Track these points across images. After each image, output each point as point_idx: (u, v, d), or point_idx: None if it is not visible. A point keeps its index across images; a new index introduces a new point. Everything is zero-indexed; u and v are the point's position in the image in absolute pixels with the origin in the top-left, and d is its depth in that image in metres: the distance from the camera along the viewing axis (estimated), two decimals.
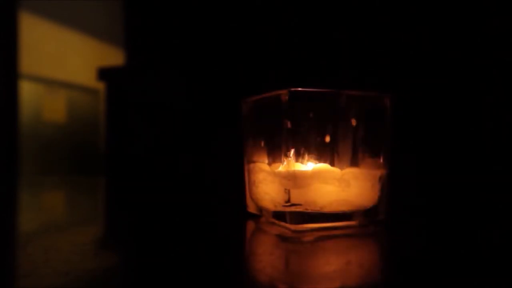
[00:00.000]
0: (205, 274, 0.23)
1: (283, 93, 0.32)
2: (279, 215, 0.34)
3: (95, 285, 0.21)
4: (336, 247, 0.30)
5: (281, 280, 0.22)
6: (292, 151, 0.32)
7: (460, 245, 0.30)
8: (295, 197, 0.32)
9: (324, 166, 0.33)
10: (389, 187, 0.35)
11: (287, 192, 0.32)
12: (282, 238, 0.31)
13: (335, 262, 0.26)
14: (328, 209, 0.33)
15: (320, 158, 0.33)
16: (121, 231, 0.37)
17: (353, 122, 0.34)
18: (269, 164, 0.35)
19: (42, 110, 2.42)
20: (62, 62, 2.50)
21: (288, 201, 0.32)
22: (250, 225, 0.37)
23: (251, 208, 0.39)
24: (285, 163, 0.32)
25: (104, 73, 1.05)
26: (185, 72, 0.93)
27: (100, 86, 1.13)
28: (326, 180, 0.32)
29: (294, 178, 0.32)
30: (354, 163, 0.34)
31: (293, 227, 0.32)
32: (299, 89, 0.32)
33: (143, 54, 1.03)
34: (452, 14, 0.69)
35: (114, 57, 2.17)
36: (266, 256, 0.28)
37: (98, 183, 0.97)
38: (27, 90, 2.09)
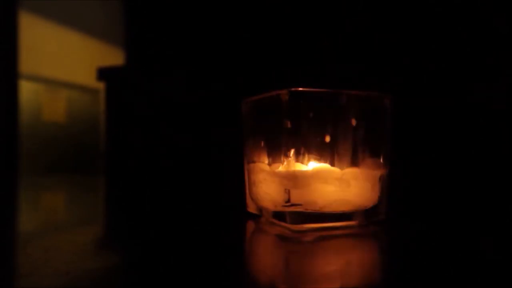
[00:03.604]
0: (205, 274, 0.23)
1: (283, 93, 0.32)
2: (279, 215, 0.34)
3: (95, 285, 0.21)
4: (336, 247, 0.30)
5: (281, 280, 0.22)
6: (292, 151, 0.32)
7: (460, 245, 0.30)
8: (295, 197, 0.32)
9: (324, 166, 0.33)
10: (389, 187, 0.35)
11: (287, 192, 0.32)
12: (282, 238, 0.31)
13: (335, 262, 0.26)
14: (328, 209, 0.33)
15: (320, 158, 0.33)
16: (121, 231, 0.37)
17: (353, 122, 0.34)
18: (269, 164, 0.35)
19: (42, 110, 2.42)
20: (62, 62, 2.50)
21: (288, 201, 0.32)
22: (250, 225, 0.37)
23: (251, 208, 0.39)
24: (285, 163, 0.32)
25: (104, 73, 1.05)
26: (185, 72, 0.93)
27: (100, 86, 1.13)
28: (326, 180, 0.32)
29: (294, 178, 0.32)
30: (354, 163, 0.34)
31: (293, 227, 0.32)
32: (299, 89, 0.32)
33: (143, 54, 1.03)
34: (453, 13, 0.69)
35: (114, 57, 2.17)
36: (266, 256, 0.28)
37: (98, 183, 0.97)
38: (27, 90, 2.08)
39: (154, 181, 0.87)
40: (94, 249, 0.30)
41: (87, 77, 2.29)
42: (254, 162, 0.37)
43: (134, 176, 0.95)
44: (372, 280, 0.23)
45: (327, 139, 0.33)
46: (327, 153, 0.33)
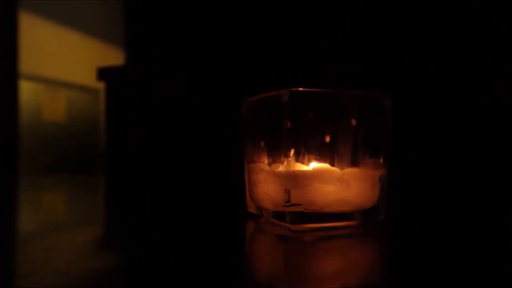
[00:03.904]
0: (205, 274, 0.23)
1: (283, 93, 0.32)
2: (279, 215, 0.34)
3: (95, 285, 0.21)
4: (336, 247, 0.30)
5: (281, 280, 0.22)
6: (292, 151, 0.32)
7: (460, 245, 0.30)
8: (295, 197, 0.32)
9: (324, 166, 0.33)
10: (389, 187, 0.35)
11: (287, 192, 0.32)
12: (282, 238, 0.31)
13: (335, 262, 0.26)
14: (328, 209, 0.33)
15: (320, 158, 0.33)
16: (121, 231, 0.37)
17: (353, 122, 0.34)
18: (269, 164, 0.35)
19: (42, 110, 2.41)
20: (62, 62, 2.50)
21: (288, 201, 0.32)
22: (250, 225, 0.37)
23: (251, 208, 0.39)
24: (285, 163, 0.32)
25: (104, 73, 1.05)
26: (185, 72, 0.93)
27: (100, 86, 1.13)
28: (326, 180, 0.32)
29: (294, 178, 0.32)
30: (354, 163, 0.34)
31: (293, 227, 0.32)
32: (299, 89, 0.32)
33: (143, 54, 1.03)
34: (453, 13, 0.69)
35: (114, 57, 2.17)
36: (266, 256, 0.28)
37: (98, 183, 0.97)
38: (27, 90, 2.08)
39: (154, 181, 0.87)
40: (94, 249, 0.30)
41: (87, 77, 2.28)
42: (254, 162, 0.37)
43: (134, 176, 0.95)
44: (372, 280, 0.23)
45: (327, 139, 0.33)
46: (327, 153, 0.33)
